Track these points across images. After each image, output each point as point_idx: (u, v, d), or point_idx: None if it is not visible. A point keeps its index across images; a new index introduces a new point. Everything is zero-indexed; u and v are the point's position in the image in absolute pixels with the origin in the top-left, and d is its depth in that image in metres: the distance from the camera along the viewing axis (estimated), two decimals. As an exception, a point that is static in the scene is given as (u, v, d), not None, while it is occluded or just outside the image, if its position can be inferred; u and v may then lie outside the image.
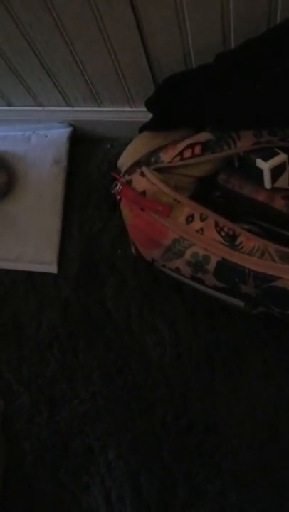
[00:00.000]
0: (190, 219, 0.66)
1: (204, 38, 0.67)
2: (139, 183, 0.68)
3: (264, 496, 0.75)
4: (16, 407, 0.89)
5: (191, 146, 0.67)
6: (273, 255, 0.63)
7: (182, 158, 0.68)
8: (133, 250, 0.79)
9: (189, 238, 0.66)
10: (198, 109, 0.69)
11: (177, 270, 0.70)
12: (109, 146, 0.99)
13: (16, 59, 0.81)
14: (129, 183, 0.69)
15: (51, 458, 0.85)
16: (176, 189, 0.68)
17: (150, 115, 0.74)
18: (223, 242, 0.65)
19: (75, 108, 0.93)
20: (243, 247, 0.64)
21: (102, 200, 0.96)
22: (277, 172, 0.65)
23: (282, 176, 0.66)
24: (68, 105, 0.93)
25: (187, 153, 0.67)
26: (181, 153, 0.68)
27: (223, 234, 0.65)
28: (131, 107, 0.89)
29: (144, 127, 0.74)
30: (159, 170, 0.69)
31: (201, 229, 0.66)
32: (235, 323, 0.82)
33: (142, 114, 0.82)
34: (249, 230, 0.66)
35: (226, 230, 0.65)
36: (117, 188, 0.70)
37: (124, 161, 0.72)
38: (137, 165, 0.70)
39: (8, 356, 0.91)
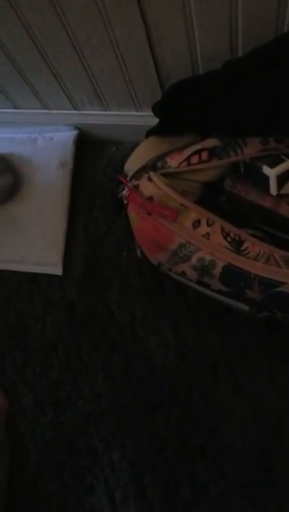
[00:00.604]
0: (196, 224, 0.67)
1: (212, 45, 0.68)
2: (147, 188, 0.69)
3: (267, 497, 0.76)
4: (20, 408, 0.89)
5: (198, 151, 0.68)
6: (278, 261, 0.64)
7: (189, 164, 0.68)
8: (139, 253, 0.79)
9: (196, 243, 0.66)
10: (205, 115, 0.69)
11: (183, 274, 0.71)
12: (114, 149, 1.00)
13: (23, 62, 0.81)
14: (136, 187, 0.70)
15: (55, 459, 0.85)
16: (183, 194, 0.68)
17: (156, 119, 0.75)
18: (229, 247, 0.65)
19: (82, 111, 0.94)
20: (248, 252, 0.65)
21: (107, 203, 0.97)
22: (283, 179, 0.66)
23: (288, 182, 0.67)
24: (75, 108, 0.93)
25: (194, 159, 0.68)
26: (188, 158, 0.68)
27: (229, 239, 0.66)
28: (137, 111, 0.89)
29: (151, 132, 0.75)
30: (166, 175, 0.69)
31: (208, 234, 0.66)
32: (240, 326, 0.82)
33: (148, 119, 0.83)
34: (255, 236, 0.66)
35: (231, 235, 0.66)
36: (125, 192, 0.71)
37: (131, 165, 0.73)
38: (143, 170, 0.70)
39: (13, 357, 0.92)
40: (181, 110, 0.72)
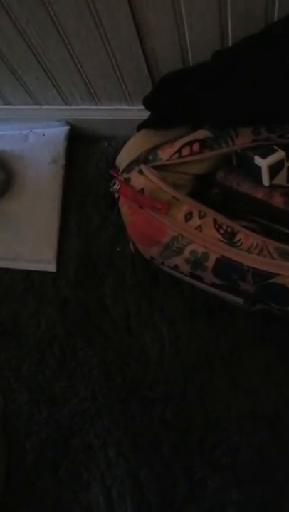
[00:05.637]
0: (188, 216, 0.66)
1: (202, 35, 0.68)
2: (138, 180, 0.68)
3: (264, 492, 0.76)
4: (15, 405, 0.89)
5: (189, 143, 0.67)
6: (272, 252, 0.63)
7: (180, 156, 0.68)
8: (132, 248, 0.79)
9: (188, 236, 0.66)
10: (196, 107, 0.69)
11: (176, 268, 0.70)
12: (106, 144, 0.99)
13: (13, 57, 0.81)
14: (127, 180, 0.69)
15: (51, 456, 0.85)
16: (175, 187, 0.68)
17: (148, 113, 0.74)
18: (221, 239, 0.65)
19: (73, 106, 0.93)
20: (241, 244, 0.64)
21: (100, 198, 0.96)
22: (275, 169, 0.65)
23: (281, 173, 0.66)
24: (66, 103, 0.93)
25: (185, 151, 0.67)
26: (179, 150, 0.68)
27: (221, 231, 0.65)
28: (128, 105, 0.89)
29: (142, 125, 0.74)
30: (157, 168, 0.69)
31: (200, 226, 0.66)
32: (234, 320, 0.82)
33: (140, 112, 0.82)
34: (248, 227, 0.66)
35: (224, 227, 0.65)
36: (116, 186, 0.71)
37: (122, 159, 0.72)
38: (135, 163, 0.70)
39: (8, 355, 0.91)
40: (172, 102, 0.71)
